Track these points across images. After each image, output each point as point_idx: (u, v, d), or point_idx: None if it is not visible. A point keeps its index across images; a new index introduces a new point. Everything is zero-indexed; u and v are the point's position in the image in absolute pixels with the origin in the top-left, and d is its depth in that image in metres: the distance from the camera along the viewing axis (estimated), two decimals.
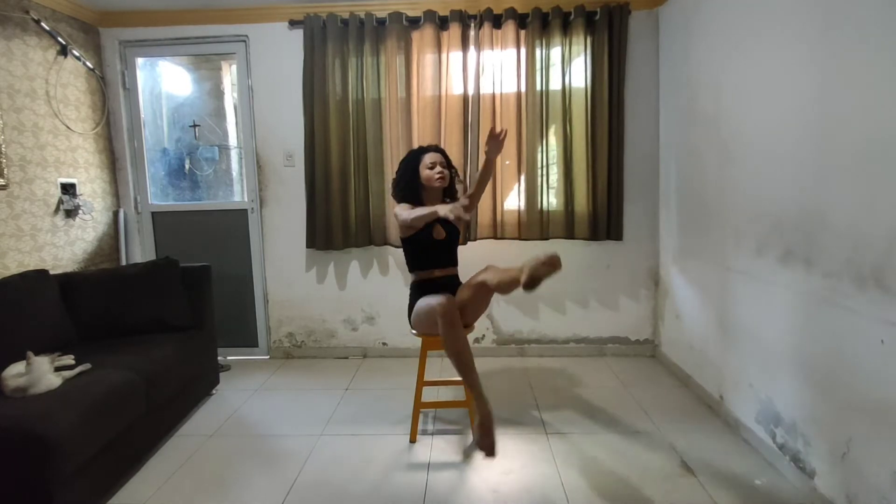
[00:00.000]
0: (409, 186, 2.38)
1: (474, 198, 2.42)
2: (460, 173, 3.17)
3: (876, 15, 1.52)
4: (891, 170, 1.47)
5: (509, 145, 3.17)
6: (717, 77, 2.47)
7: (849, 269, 1.64)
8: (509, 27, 3.06)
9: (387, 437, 2.38)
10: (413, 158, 2.40)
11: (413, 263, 2.40)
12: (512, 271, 1.98)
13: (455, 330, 2.02)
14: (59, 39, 2.92)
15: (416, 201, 2.37)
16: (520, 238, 3.24)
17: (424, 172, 2.34)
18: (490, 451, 1.92)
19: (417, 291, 2.35)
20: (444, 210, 2.03)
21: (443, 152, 2.42)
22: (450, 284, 2.34)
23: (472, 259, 2.65)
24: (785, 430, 1.99)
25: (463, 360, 2.02)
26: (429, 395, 2.72)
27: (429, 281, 2.35)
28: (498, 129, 2.25)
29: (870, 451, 1.58)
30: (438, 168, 2.33)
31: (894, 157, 1.46)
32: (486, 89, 3.13)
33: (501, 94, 3.14)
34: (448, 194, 2.46)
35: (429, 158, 2.35)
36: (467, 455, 2.20)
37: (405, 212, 2.23)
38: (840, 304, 1.68)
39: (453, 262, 2.43)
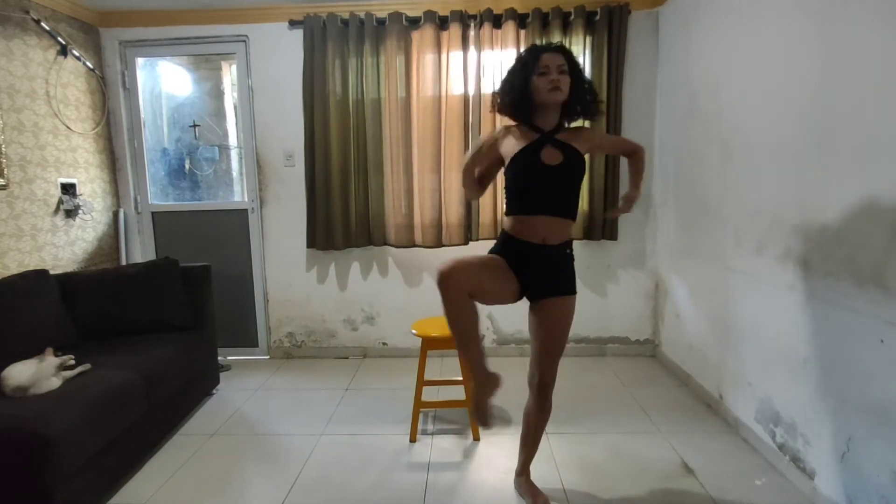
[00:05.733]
0: (518, 101, 1.67)
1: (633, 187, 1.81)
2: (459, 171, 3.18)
3: (874, 14, 1.52)
4: (891, 169, 1.47)
5: None
6: (716, 76, 2.47)
7: (848, 268, 1.64)
8: (509, 27, 3.06)
9: (387, 436, 2.38)
10: (523, 62, 1.66)
11: (507, 202, 1.75)
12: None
13: (448, 299, 1.55)
14: (59, 39, 2.92)
15: (525, 119, 1.71)
16: None
17: (535, 81, 1.62)
18: (483, 422, 1.69)
19: (498, 245, 1.74)
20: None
21: (567, 53, 1.67)
22: (541, 257, 1.66)
23: None
24: (784, 429, 1.99)
25: (459, 331, 1.60)
26: (429, 394, 2.72)
27: (512, 239, 1.69)
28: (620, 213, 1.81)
29: (870, 450, 1.58)
30: (553, 74, 1.60)
31: (894, 156, 1.46)
32: (486, 89, 3.13)
33: None
34: (568, 113, 1.70)
35: (544, 61, 1.61)
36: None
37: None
38: (840, 304, 1.68)
39: (562, 211, 1.67)
